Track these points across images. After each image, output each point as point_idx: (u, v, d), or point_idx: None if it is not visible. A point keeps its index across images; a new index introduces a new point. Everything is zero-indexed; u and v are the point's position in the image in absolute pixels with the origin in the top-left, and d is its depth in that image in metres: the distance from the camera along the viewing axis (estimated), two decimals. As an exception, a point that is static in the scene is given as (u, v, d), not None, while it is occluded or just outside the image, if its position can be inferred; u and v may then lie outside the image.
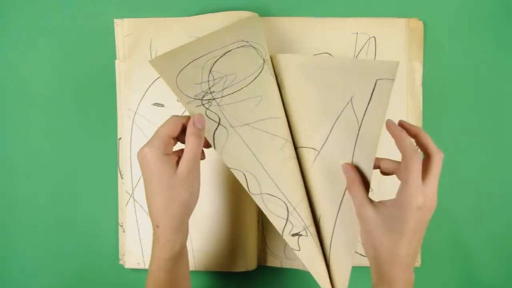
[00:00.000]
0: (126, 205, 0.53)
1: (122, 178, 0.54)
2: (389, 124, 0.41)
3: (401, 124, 0.42)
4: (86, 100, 0.55)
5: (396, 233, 0.38)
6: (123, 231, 0.54)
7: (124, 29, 0.53)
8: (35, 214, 0.55)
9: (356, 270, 0.55)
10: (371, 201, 0.40)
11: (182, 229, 0.41)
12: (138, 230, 0.53)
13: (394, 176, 0.54)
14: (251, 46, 0.48)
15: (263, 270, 0.54)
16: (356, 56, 0.53)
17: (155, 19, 0.53)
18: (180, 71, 0.46)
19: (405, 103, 0.53)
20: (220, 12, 0.52)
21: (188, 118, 0.42)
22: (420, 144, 0.42)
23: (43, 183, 0.55)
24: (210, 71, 0.46)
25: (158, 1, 0.54)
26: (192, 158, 0.39)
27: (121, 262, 0.54)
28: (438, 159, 0.40)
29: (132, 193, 0.53)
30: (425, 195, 0.38)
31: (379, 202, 0.40)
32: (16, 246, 0.55)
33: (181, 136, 0.42)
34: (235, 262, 0.53)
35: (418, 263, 0.54)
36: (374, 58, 0.53)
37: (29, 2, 0.55)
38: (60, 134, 0.55)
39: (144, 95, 0.53)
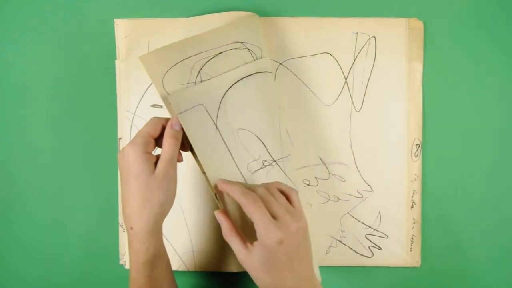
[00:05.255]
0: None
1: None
2: (218, 185, 0.43)
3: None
4: (86, 100, 0.55)
5: (273, 270, 0.39)
6: (123, 231, 0.54)
7: (121, 30, 0.53)
8: (35, 214, 0.55)
9: (356, 270, 0.55)
10: (246, 244, 0.40)
11: (156, 232, 0.42)
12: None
13: (393, 176, 0.54)
14: (246, 48, 0.48)
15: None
16: (356, 56, 0.53)
17: (153, 20, 0.53)
18: (169, 69, 0.46)
19: (405, 103, 0.53)
20: (219, 12, 0.52)
21: (168, 119, 0.43)
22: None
23: (43, 182, 0.55)
24: (199, 72, 0.46)
25: (158, 1, 0.54)
26: (169, 159, 0.41)
27: (121, 262, 0.54)
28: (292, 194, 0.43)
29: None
30: (280, 227, 0.38)
31: (252, 244, 0.40)
32: (15, 246, 0.56)
33: (160, 140, 0.43)
34: (235, 262, 0.53)
35: (418, 263, 0.54)
36: (374, 58, 0.53)
37: (29, 2, 0.54)
38: (60, 134, 0.55)
39: (142, 96, 0.53)
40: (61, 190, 0.55)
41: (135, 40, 0.53)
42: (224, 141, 0.46)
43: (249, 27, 0.49)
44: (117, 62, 0.53)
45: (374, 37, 0.53)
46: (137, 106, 0.53)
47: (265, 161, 0.47)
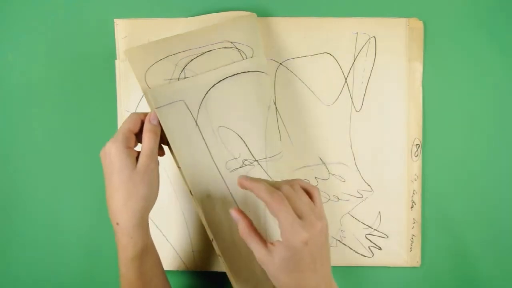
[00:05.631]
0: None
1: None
2: (241, 182, 0.41)
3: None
4: (86, 100, 0.55)
5: (296, 271, 0.38)
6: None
7: (121, 30, 0.53)
8: (35, 214, 0.55)
9: (356, 270, 0.55)
10: (266, 244, 0.39)
11: (142, 226, 0.42)
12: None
13: (393, 176, 0.54)
14: (235, 47, 0.48)
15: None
16: (356, 56, 0.53)
17: (153, 20, 0.53)
18: (153, 64, 0.46)
19: (405, 103, 0.53)
20: (219, 12, 0.52)
21: (145, 113, 0.44)
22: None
23: (43, 182, 0.55)
24: (183, 69, 0.47)
25: (158, 1, 0.54)
26: (149, 153, 0.42)
27: (121, 262, 0.54)
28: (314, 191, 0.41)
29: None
30: (305, 227, 0.37)
31: (272, 244, 0.39)
32: (15, 247, 0.56)
33: (141, 136, 0.43)
34: None
35: (418, 263, 0.54)
36: (374, 58, 0.53)
37: (29, 2, 0.54)
38: (60, 133, 0.55)
39: (142, 96, 0.53)
40: (61, 190, 0.55)
41: (135, 40, 0.53)
42: (203, 138, 0.46)
43: (241, 26, 0.49)
44: (117, 62, 0.53)
45: (374, 37, 0.53)
46: (137, 106, 0.53)
47: (246, 160, 0.47)
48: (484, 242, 0.55)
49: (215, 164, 0.47)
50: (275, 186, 0.39)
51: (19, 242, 0.55)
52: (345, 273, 0.55)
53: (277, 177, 0.48)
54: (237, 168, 0.47)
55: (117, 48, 0.53)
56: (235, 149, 0.47)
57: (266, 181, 0.40)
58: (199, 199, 0.47)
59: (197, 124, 0.46)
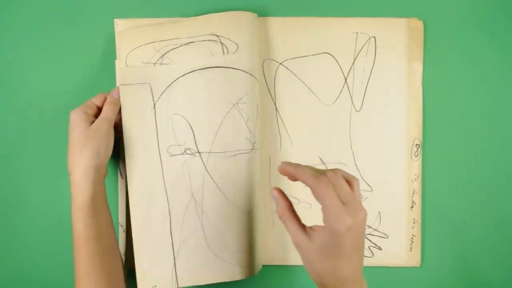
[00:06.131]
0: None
1: (122, 178, 0.54)
2: (283, 167, 0.40)
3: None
4: (86, 100, 0.55)
5: (334, 257, 0.37)
6: (123, 231, 0.54)
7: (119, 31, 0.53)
8: (35, 214, 0.55)
9: (356, 270, 0.55)
10: (304, 228, 0.39)
11: (91, 176, 0.46)
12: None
13: (393, 176, 0.54)
14: (219, 41, 0.49)
15: (265, 269, 0.54)
16: (356, 56, 0.53)
17: (153, 20, 0.53)
18: (138, 47, 0.50)
19: (405, 103, 0.53)
20: (219, 12, 0.51)
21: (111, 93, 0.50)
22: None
23: (43, 182, 0.55)
24: (163, 55, 0.50)
25: (158, 1, 0.54)
26: (104, 117, 0.48)
27: (121, 262, 0.54)
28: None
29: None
30: (350, 213, 0.36)
31: (311, 228, 0.39)
32: (16, 247, 0.55)
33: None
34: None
35: (418, 263, 0.54)
36: (374, 58, 0.53)
37: (29, 2, 0.54)
38: (60, 133, 0.55)
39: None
40: (61, 190, 0.55)
41: (135, 40, 0.53)
42: (155, 120, 0.50)
43: (230, 21, 0.50)
44: (117, 62, 0.53)
45: (374, 37, 0.53)
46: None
47: (188, 149, 0.49)
48: (484, 242, 0.55)
49: (158, 146, 0.50)
50: (319, 172, 0.39)
51: (18, 242, 0.55)
52: (345, 273, 0.55)
53: (216, 174, 0.49)
54: (177, 154, 0.50)
55: (117, 48, 0.53)
56: (182, 137, 0.50)
57: (309, 167, 0.39)
58: (131, 178, 0.50)
59: (154, 107, 0.50)
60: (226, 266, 0.49)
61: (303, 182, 0.39)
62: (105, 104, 0.49)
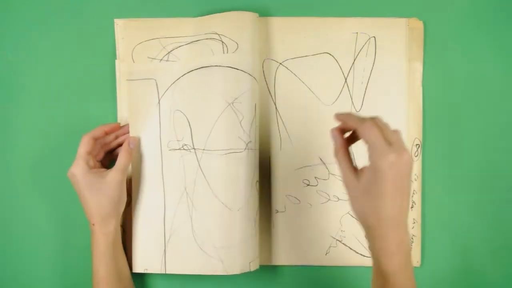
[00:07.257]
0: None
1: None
2: (336, 115, 0.42)
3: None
4: (86, 100, 0.55)
5: (377, 196, 0.38)
6: (123, 231, 0.54)
7: (121, 30, 0.53)
8: (36, 215, 0.55)
9: (356, 270, 0.55)
10: (355, 169, 0.40)
11: (113, 225, 0.49)
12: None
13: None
14: (220, 40, 0.50)
15: (264, 269, 0.54)
16: (356, 56, 0.53)
17: (154, 20, 0.53)
18: (144, 41, 0.52)
19: (405, 103, 0.53)
20: (220, 12, 0.52)
21: (94, 131, 0.50)
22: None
23: (43, 183, 0.55)
24: (169, 52, 0.51)
25: (158, 1, 0.54)
26: (122, 168, 0.49)
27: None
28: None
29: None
30: (395, 152, 0.37)
31: (361, 169, 0.40)
32: (16, 247, 0.55)
33: (96, 150, 0.50)
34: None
35: (418, 263, 0.54)
36: (374, 58, 0.53)
37: (29, 2, 0.55)
38: (60, 133, 0.55)
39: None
40: (61, 190, 0.55)
41: (135, 40, 0.53)
42: (159, 116, 0.51)
43: (231, 20, 0.50)
44: (117, 62, 0.53)
45: (374, 37, 0.53)
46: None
47: (185, 145, 0.51)
48: (484, 242, 0.55)
49: (160, 139, 0.52)
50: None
51: (18, 242, 0.55)
52: (345, 273, 0.55)
53: (208, 172, 0.50)
54: (175, 149, 0.51)
55: (117, 48, 0.53)
56: (181, 133, 0.51)
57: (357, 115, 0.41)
58: (134, 168, 0.52)
59: (159, 103, 0.51)
60: (209, 260, 0.50)
61: (349, 126, 0.41)
62: (122, 152, 0.50)
